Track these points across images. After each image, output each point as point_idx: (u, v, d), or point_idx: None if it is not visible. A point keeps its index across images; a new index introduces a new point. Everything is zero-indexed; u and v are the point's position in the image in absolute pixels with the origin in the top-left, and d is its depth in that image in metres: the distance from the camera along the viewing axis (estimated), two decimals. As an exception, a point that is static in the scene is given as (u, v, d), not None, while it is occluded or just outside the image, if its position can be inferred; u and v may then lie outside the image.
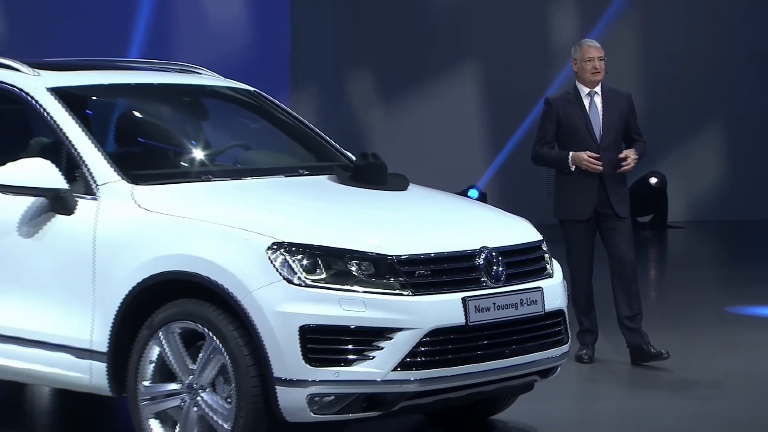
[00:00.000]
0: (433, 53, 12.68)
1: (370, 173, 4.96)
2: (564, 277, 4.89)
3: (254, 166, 5.21)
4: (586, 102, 6.40)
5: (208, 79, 5.68)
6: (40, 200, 4.69)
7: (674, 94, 13.07)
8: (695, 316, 7.97)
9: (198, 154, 5.17)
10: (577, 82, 6.44)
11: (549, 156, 6.37)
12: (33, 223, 4.71)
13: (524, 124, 12.80)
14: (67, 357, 4.62)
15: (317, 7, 12.30)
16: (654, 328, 6.52)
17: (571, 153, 6.27)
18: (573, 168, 6.28)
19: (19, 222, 4.72)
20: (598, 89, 6.42)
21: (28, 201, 4.71)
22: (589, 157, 6.23)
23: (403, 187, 5.01)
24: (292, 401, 4.24)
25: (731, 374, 6.30)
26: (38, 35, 10.88)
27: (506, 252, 4.63)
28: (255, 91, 5.69)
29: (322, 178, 5.01)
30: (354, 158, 5.28)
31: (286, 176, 5.04)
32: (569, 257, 6.39)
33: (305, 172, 5.10)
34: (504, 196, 12.12)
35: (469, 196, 10.57)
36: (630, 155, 6.29)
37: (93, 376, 4.58)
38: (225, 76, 5.80)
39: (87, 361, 4.58)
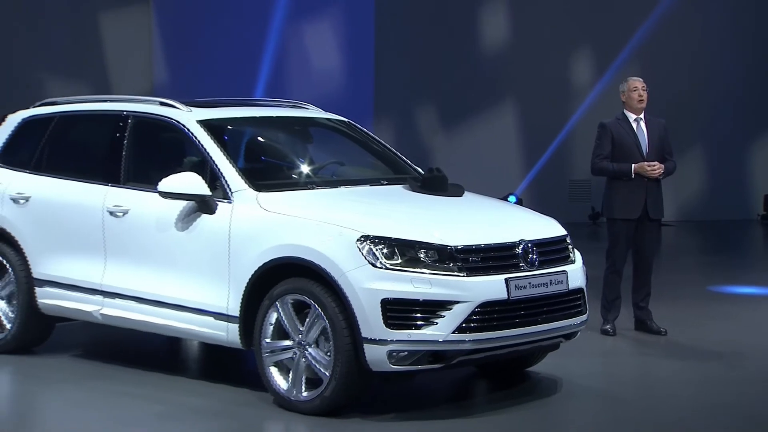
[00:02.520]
0: (482, 92, 12.62)
1: (434, 183, 4.94)
2: (601, 268, 4.71)
3: (347, 177, 5.21)
4: (634, 125, 6.13)
5: (312, 112, 5.70)
6: (191, 203, 4.76)
7: (668, 121, 12.77)
8: (683, 293, 7.79)
9: (305, 168, 5.19)
10: (624, 109, 6.13)
11: (610, 168, 6.04)
12: (185, 220, 4.78)
13: (552, 146, 12.68)
14: (210, 319, 4.68)
15: (394, 57, 12.30)
16: (651, 301, 6.38)
17: (633, 165, 6.01)
18: (634, 176, 6.00)
19: (175, 219, 4.80)
20: (642, 115, 6.14)
21: (182, 204, 4.78)
22: (648, 165, 5.99)
23: (459, 194, 4.98)
24: (375, 355, 4.24)
25: (711, 339, 6.15)
26: (191, 81, 11.10)
27: (539, 243, 4.58)
28: (347, 120, 5.70)
29: (398, 187, 5.00)
30: (422, 172, 5.25)
31: (370, 185, 5.04)
32: (612, 249, 6.11)
33: (385, 182, 5.09)
34: (536, 201, 11.97)
35: (509, 201, 10.46)
36: (658, 165, 6.04)
37: (229, 333, 4.63)
38: (325, 110, 5.82)
39: (224, 323, 4.63)
